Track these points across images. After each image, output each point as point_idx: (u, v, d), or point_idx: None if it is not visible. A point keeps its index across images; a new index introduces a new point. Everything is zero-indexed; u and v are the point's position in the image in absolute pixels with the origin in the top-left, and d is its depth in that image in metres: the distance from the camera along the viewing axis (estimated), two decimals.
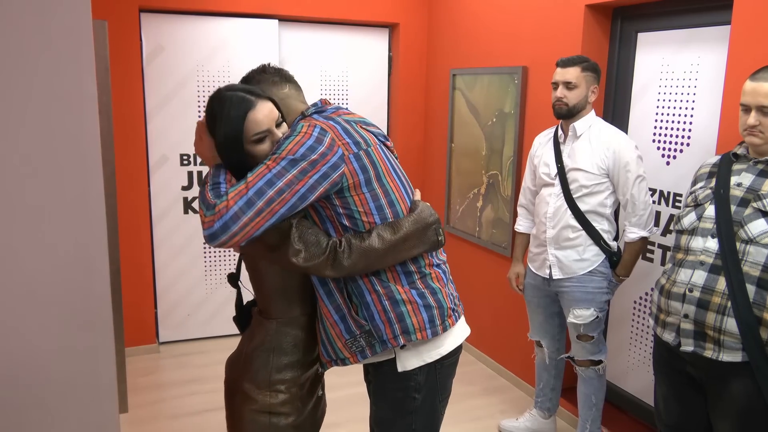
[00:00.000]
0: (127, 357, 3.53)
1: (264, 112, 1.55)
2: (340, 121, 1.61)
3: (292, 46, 4.21)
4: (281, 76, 1.75)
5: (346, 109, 1.77)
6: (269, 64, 1.78)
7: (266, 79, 1.72)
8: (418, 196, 1.76)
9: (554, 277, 2.74)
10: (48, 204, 1.23)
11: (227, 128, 1.54)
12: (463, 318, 1.82)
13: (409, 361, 1.69)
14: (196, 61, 3.95)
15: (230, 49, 4.00)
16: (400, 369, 1.69)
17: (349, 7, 4.15)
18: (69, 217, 1.25)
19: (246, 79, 1.73)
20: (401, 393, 1.72)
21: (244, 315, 1.86)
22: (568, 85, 2.61)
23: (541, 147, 2.86)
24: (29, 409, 1.24)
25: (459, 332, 1.77)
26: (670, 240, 2.80)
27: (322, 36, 4.27)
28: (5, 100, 1.18)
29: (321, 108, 1.70)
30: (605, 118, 3.01)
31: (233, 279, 1.83)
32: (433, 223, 1.67)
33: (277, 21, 4.07)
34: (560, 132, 2.75)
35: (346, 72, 4.36)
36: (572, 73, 2.60)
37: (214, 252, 4.18)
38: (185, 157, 4.03)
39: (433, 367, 1.72)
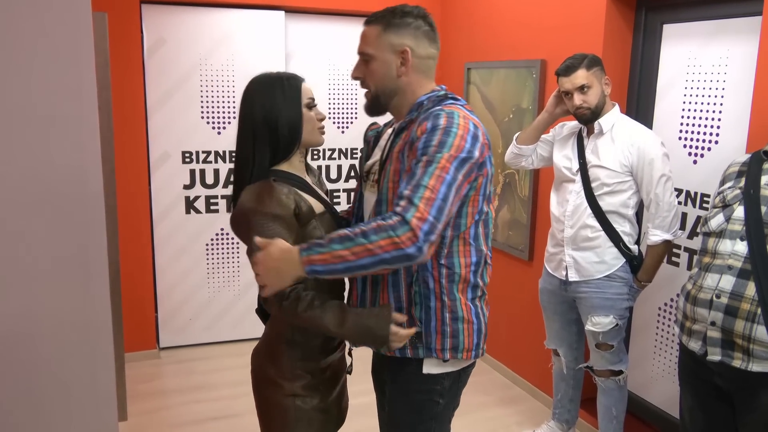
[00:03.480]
0: (127, 363, 3.55)
1: (309, 87, 1.79)
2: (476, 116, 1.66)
3: (299, 39, 4.22)
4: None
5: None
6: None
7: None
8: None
9: (570, 279, 2.73)
10: (45, 203, 1.24)
11: (287, 89, 1.73)
12: None
13: (438, 366, 1.71)
14: (198, 54, 3.97)
15: (234, 42, 4.02)
16: (425, 371, 1.70)
17: None
18: (67, 217, 1.27)
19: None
20: (425, 396, 1.73)
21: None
22: (582, 89, 2.60)
23: (562, 139, 2.84)
24: (26, 416, 1.26)
25: None
26: (696, 243, 2.78)
27: (331, 28, 4.28)
28: (3, 94, 1.19)
29: (452, 95, 1.71)
30: (628, 115, 2.99)
31: (262, 313, 1.89)
32: (380, 339, 1.65)
33: (283, 12, 4.09)
34: (584, 127, 2.74)
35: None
36: (580, 77, 2.59)
37: (217, 253, 4.20)
38: (187, 155, 4.05)
39: (458, 374, 1.76)
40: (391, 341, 1.63)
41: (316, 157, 4.36)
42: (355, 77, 1.73)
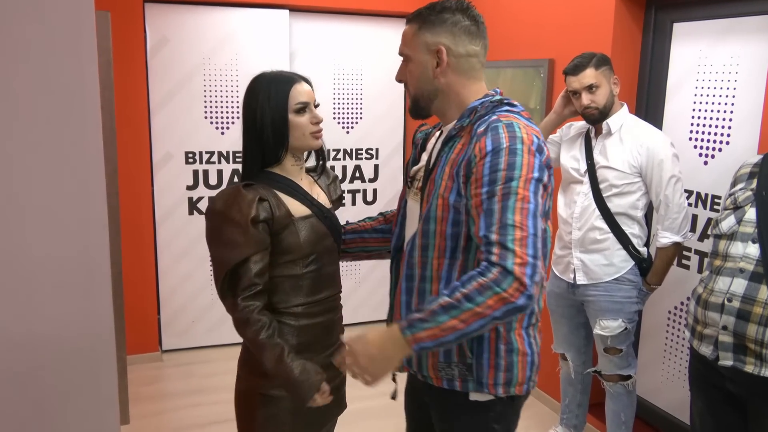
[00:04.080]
0: (129, 365, 3.56)
1: (305, 88, 1.76)
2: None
3: (303, 38, 4.23)
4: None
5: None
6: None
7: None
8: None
9: (578, 282, 2.72)
10: (47, 204, 1.24)
11: (274, 92, 1.72)
12: None
13: (485, 395, 1.60)
14: (202, 53, 3.98)
15: (238, 42, 4.02)
16: (472, 398, 1.60)
17: None
18: (69, 218, 1.27)
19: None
20: (480, 424, 1.63)
21: None
22: (591, 88, 2.59)
23: (569, 139, 2.83)
24: (27, 419, 1.26)
25: None
26: (707, 245, 2.77)
27: (336, 27, 4.28)
28: (3, 94, 1.19)
29: (508, 100, 1.60)
30: (637, 115, 2.98)
31: None
32: (300, 398, 1.65)
33: (287, 11, 4.10)
34: (592, 127, 2.73)
35: (360, 65, 4.37)
36: (589, 76, 2.58)
37: None
38: (190, 155, 4.06)
39: (510, 398, 1.63)
40: (310, 402, 1.64)
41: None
42: (398, 80, 1.65)
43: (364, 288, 4.53)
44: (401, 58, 1.63)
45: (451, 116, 1.61)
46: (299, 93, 1.74)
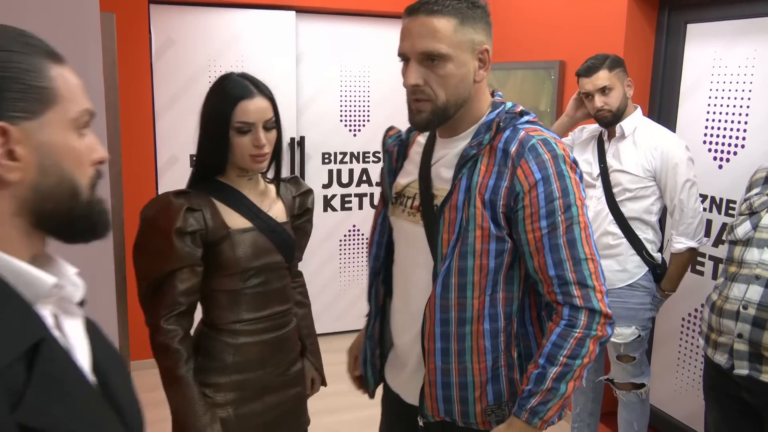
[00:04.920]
0: (133, 371, 3.56)
1: (257, 106, 1.61)
2: None
3: (310, 40, 4.24)
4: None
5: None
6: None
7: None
8: None
9: None
10: None
11: (218, 104, 1.62)
12: None
13: None
14: (207, 55, 4.00)
15: (244, 43, 4.04)
16: None
17: None
18: None
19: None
20: None
21: None
22: (604, 90, 2.58)
23: (582, 142, 2.83)
24: None
25: None
26: (722, 251, 2.75)
27: (343, 28, 4.29)
28: None
29: (523, 108, 1.50)
30: (650, 118, 2.97)
31: None
32: None
33: (294, 12, 4.11)
34: (604, 130, 2.73)
35: (368, 67, 4.37)
36: (602, 78, 2.57)
37: None
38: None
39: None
40: None
41: (327, 161, 4.36)
42: (414, 84, 1.38)
43: (346, 297, 4.52)
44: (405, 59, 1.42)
45: (462, 129, 1.47)
46: (244, 112, 1.60)
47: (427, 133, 1.56)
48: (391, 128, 1.69)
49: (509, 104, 1.48)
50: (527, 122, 1.44)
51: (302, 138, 4.21)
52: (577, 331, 1.36)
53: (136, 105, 3.81)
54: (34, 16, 1.20)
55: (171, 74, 3.95)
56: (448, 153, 1.48)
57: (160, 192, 4.02)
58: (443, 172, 1.47)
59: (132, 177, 3.81)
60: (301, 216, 1.90)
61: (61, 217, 0.79)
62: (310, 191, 1.93)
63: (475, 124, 1.45)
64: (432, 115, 1.40)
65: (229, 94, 1.61)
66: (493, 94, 1.52)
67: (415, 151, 1.58)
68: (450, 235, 1.41)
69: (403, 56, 1.40)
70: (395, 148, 1.64)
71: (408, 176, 1.57)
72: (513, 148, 1.37)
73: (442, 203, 1.43)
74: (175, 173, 4.05)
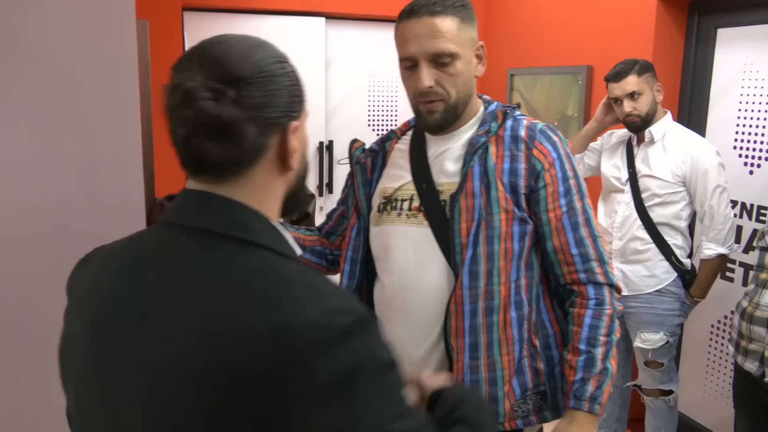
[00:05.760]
0: None
1: None
2: None
3: (339, 45, 4.25)
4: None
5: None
6: None
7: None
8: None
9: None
10: (88, 204, 1.27)
11: None
12: None
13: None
14: None
15: None
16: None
17: (399, 4, 4.16)
18: (107, 219, 1.29)
19: None
20: None
21: None
22: (633, 96, 2.55)
23: (610, 147, 2.79)
24: (44, 423, 1.28)
25: None
26: (752, 258, 2.69)
27: (371, 34, 4.31)
28: (48, 100, 1.22)
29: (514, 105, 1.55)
30: (679, 123, 2.93)
31: None
32: None
33: (323, 19, 4.13)
34: (633, 135, 2.69)
35: (395, 72, 4.37)
36: (631, 83, 2.54)
37: None
38: None
39: None
40: None
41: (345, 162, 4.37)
42: (431, 85, 1.37)
43: None
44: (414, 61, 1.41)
45: (463, 121, 1.46)
46: None
47: (407, 139, 1.54)
48: (355, 140, 1.64)
49: (487, 98, 1.54)
50: (521, 115, 1.48)
51: (331, 142, 4.22)
52: (608, 308, 1.38)
53: None
54: (72, 24, 1.23)
55: None
56: (451, 146, 1.46)
57: None
58: (448, 165, 1.44)
59: (163, 179, 3.85)
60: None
61: (293, 196, 0.93)
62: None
63: (474, 117, 1.48)
64: (445, 115, 1.40)
65: None
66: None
67: (399, 156, 1.54)
68: (468, 222, 1.38)
69: (410, 59, 1.39)
70: (368, 159, 1.57)
71: (396, 180, 1.50)
72: (522, 133, 1.41)
73: (454, 194, 1.40)
74: None
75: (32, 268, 1.26)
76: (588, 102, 3.38)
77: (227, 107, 0.79)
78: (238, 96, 0.79)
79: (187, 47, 3.92)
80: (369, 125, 4.37)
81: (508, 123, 1.43)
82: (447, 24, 1.35)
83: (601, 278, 1.39)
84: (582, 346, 1.37)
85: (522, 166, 1.38)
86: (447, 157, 1.45)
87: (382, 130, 4.42)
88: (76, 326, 0.86)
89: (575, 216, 1.39)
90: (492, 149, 1.40)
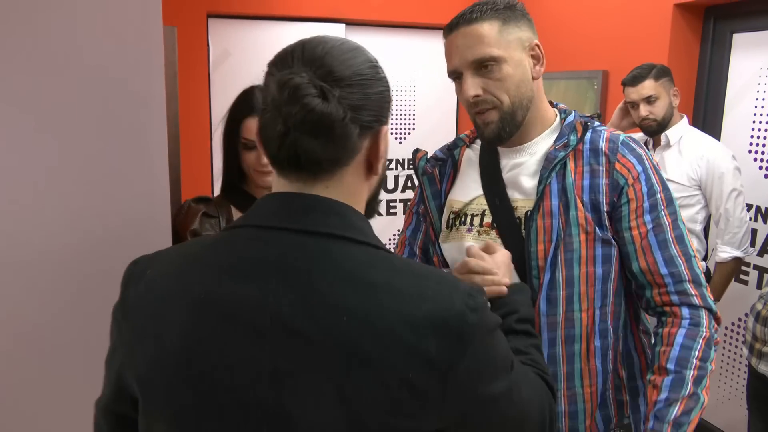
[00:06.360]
0: None
1: None
2: None
3: None
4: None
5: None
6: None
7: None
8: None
9: None
10: (114, 209, 1.31)
11: (229, 119, 1.63)
12: None
13: None
14: (262, 67, 3.97)
15: None
16: None
17: (417, 10, 4.19)
18: (134, 223, 1.33)
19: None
20: None
21: None
22: (649, 100, 2.54)
23: None
24: (54, 422, 1.30)
25: None
26: (767, 261, 2.67)
27: (390, 40, 4.33)
28: (81, 103, 1.26)
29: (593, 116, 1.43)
30: (695, 127, 2.91)
31: None
32: None
33: (344, 25, 4.16)
34: (650, 139, 2.68)
35: (414, 77, 4.39)
36: (648, 87, 2.53)
37: None
38: None
39: None
40: None
41: None
42: (475, 94, 1.26)
43: None
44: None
45: (535, 132, 1.33)
46: (248, 129, 1.59)
47: (477, 147, 1.42)
48: (418, 150, 1.50)
49: (564, 106, 1.40)
50: (601, 126, 1.35)
51: None
52: (704, 330, 1.21)
53: (194, 114, 3.91)
54: (101, 31, 1.26)
55: (227, 85, 4.04)
56: (527, 160, 1.32)
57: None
58: (524, 181, 1.31)
59: (190, 183, 3.89)
60: None
61: (371, 202, 0.92)
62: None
63: (549, 127, 1.34)
64: (501, 123, 1.28)
65: (238, 109, 1.64)
66: (552, 104, 1.42)
67: (468, 166, 1.42)
68: (546, 245, 1.25)
69: (455, 73, 1.29)
70: (434, 169, 1.45)
71: (467, 193, 1.39)
72: (603, 145, 1.28)
73: (531, 213, 1.27)
74: None
75: (59, 271, 1.29)
76: (603, 107, 3.37)
77: (334, 105, 0.79)
78: (341, 96, 0.79)
79: (211, 53, 3.97)
80: (389, 131, 4.38)
81: (588, 135, 1.30)
82: (485, 29, 1.25)
83: (697, 300, 1.23)
84: (670, 366, 1.20)
85: (603, 181, 1.26)
86: (522, 173, 1.32)
87: (401, 132, 4.44)
88: (165, 346, 0.79)
89: (663, 233, 1.25)
90: (570, 164, 1.28)
